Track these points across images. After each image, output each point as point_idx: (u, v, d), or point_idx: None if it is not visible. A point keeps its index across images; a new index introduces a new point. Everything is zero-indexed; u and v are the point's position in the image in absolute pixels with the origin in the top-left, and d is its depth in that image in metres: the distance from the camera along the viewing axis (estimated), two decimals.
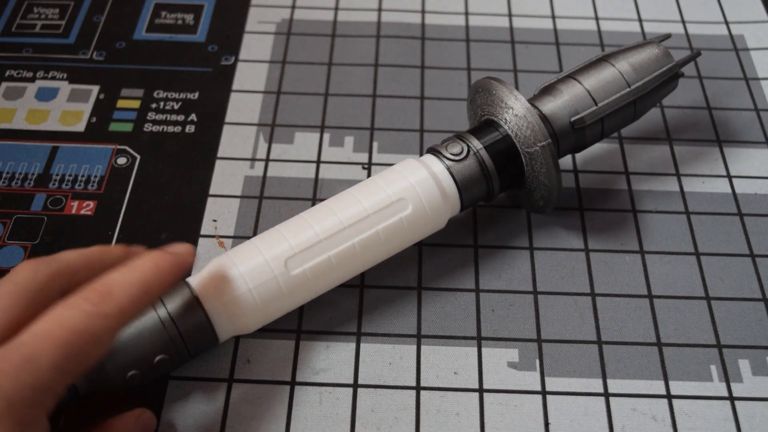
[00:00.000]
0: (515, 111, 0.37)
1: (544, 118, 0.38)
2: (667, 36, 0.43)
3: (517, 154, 0.37)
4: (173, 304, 0.32)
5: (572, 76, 0.40)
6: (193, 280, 0.34)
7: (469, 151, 0.37)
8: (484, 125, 0.39)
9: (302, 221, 0.35)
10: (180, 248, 0.30)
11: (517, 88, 0.48)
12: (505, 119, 0.37)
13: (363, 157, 0.44)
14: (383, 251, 0.36)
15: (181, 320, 0.32)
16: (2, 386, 0.24)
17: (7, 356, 0.24)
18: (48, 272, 0.28)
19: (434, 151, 0.38)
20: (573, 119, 0.38)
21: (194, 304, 0.33)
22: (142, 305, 0.28)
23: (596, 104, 0.38)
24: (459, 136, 0.38)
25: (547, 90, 0.39)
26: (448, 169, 0.37)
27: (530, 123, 0.36)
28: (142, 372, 0.32)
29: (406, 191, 0.36)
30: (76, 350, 0.25)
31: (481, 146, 0.37)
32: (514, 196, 0.42)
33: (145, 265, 0.29)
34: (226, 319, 0.33)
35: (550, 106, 0.38)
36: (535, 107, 0.38)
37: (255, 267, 0.33)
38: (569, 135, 0.38)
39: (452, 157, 0.37)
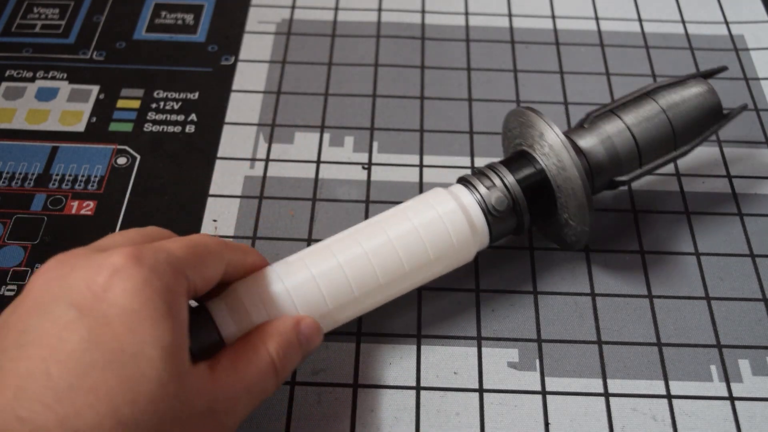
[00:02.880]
0: (551, 144, 0.35)
1: (580, 152, 0.37)
2: (723, 69, 0.41)
3: (550, 189, 0.36)
4: (193, 328, 0.30)
5: (615, 112, 0.38)
6: (215, 309, 0.31)
7: (493, 176, 0.36)
8: (517, 157, 0.37)
9: (330, 256, 0.33)
10: (263, 262, 0.34)
11: (517, 88, 0.48)
12: (541, 152, 0.36)
13: (363, 157, 0.44)
14: (405, 275, 0.34)
15: (197, 346, 0.30)
16: (145, 256, 0.27)
17: (145, 247, 0.28)
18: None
19: (465, 181, 0.36)
20: (616, 180, 0.37)
21: (215, 337, 0.31)
22: (240, 254, 0.32)
23: (639, 149, 0.37)
24: (492, 167, 0.37)
25: (590, 125, 0.38)
26: (478, 202, 0.35)
27: (566, 158, 0.35)
28: None
29: (439, 236, 0.34)
30: (199, 252, 0.29)
31: (513, 179, 0.36)
32: (544, 231, 0.40)
33: (245, 245, 0.34)
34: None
35: (589, 142, 0.37)
36: (572, 141, 0.37)
37: (277, 306, 0.32)
38: (605, 172, 0.37)
39: (476, 182, 0.36)
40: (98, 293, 0.26)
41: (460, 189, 0.36)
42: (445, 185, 0.43)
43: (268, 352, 0.30)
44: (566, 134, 0.37)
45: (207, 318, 0.31)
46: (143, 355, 0.25)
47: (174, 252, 0.28)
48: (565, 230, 0.37)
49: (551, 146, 0.35)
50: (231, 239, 0.40)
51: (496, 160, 0.38)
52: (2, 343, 0.26)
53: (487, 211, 0.35)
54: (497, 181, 0.36)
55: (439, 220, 0.34)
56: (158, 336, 0.26)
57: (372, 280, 0.33)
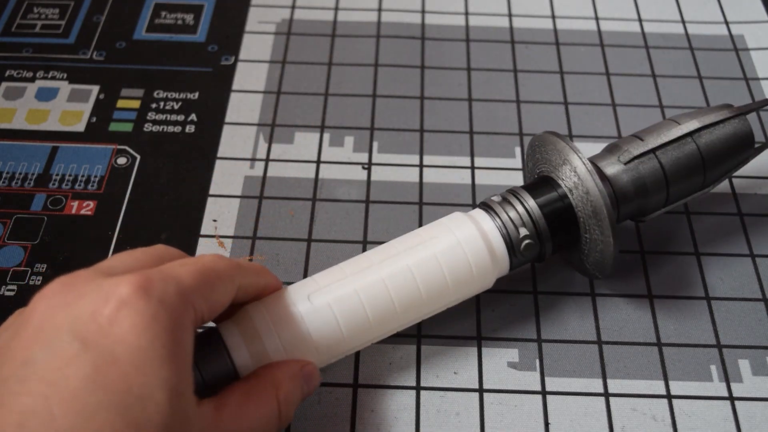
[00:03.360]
0: (576, 170, 0.34)
1: (605, 179, 0.36)
2: (766, 103, 0.40)
3: (574, 217, 0.35)
4: (203, 354, 0.30)
5: (636, 135, 0.37)
6: (227, 335, 0.31)
7: (515, 202, 0.35)
8: (540, 182, 0.36)
9: (346, 283, 0.32)
10: (278, 283, 0.33)
11: (517, 88, 0.48)
12: (562, 177, 0.35)
13: (363, 157, 0.44)
14: (423, 303, 0.33)
15: (209, 373, 0.30)
16: (154, 288, 0.26)
17: (153, 274, 0.27)
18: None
19: (484, 206, 0.35)
20: (644, 219, 0.36)
21: (227, 364, 0.30)
22: (252, 276, 0.31)
23: (666, 179, 0.36)
24: (514, 192, 0.36)
25: (610, 149, 0.37)
26: (499, 228, 0.34)
27: (590, 185, 0.33)
28: None
29: (460, 265, 0.33)
30: (209, 278, 0.28)
31: (535, 204, 0.35)
32: (565, 258, 0.39)
33: (261, 266, 0.33)
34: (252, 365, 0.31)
35: (612, 167, 0.36)
36: (596, 166, 0.36)
37: (298, 347, 0.31)
38: (630, 198, 0.36)
39: (498, 207, 0.35)
40: (104, 326, 0.25)
41: (480, 214, 0.35)
42: (445, 185, 0.43)
43: (277, 398, 0.29)
44: (591, 160, 0.36)
45: (219, 342, 0.30)
46: (150, 398, 0.24)
47: (183, 280, 0.27)
48: (588, 259, 0.36)
49: (576, 172, 0.34)
50: (231, 239, 0.40)
51: (517, 185, 0.37)
52: (3, 372, 0.25)
53: (511, 247, 0.34)
54: (519, 207, 0.35)
55: (458, 246, 0.33)
56: (166, 377, 0.25)
57: (388, 308, 0.32)
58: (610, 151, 0.37)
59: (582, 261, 0.37)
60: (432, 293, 0.33)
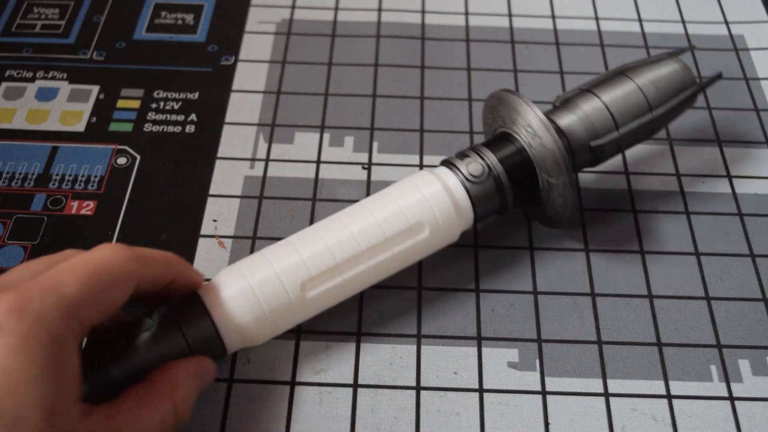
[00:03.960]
0: (532, 125, 0.36)
1: (560, 131, 0.37)
2: (689, 49, 0.42)
3: (532, 169, 0.37)
4: (185, 317, 0.32)
5: (591, 90, 0.39)
6: (207, 297, 0.33)
7: (477, 158, 0.37)
8: (499, 138, 0.38)
9: (317, 237, 0.34)
10: (199, 276, 0.33)
11: (517, 88, 0.48)
12: (521, 133, 0.37)
13: (363, 157, 0.44)
14: (395, 270, 0.36)
15: (192, 336, 0.31)
16: (30, 306, 0.25)
17: (33, 286, 0.26)
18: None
19: (449, 164, 0.37)
20: (593, 144, 0.37)
21: (209, 326, 0.32)
22: (158, 267, 0.30)
23: (615, 122, 0.38)
24: (475, 149, 0.37)
25: (565, 104, 0.39)
26: (462, 183, 0.36)
27: (546, 136, 0.35)
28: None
29: (423, 211, 0.35)
30: (97, 282, 0.27)
31: (495, 159, 0.37)
32: (527, 209, 0.41)
33: (168, 252, 0.32)
34: (237, 337, 0.33)
35: (568, 121, 0.38)
36: (552, 121, 0.38)
37: (272, 291, 0.33)
38: (585, 151, 0.38)
39: (472, 178, 0.36)
40: None
41: (444, 171, 0.37)
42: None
43: (173, 400, 0.29)
44: (546, 114, 0.38)
45: (199, 305, 0.32)
46: (25, 418, 0.24)
47: (66, 291, 0.26)
48: (549, 209, 0.38)
49: (531, 126, 0.36)
50: (231, 239, 0.40)
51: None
52: None
53: (466, 180, 0.36)
54: (480, 161, 0.37)
55: (424, 201, 0.35)
56: (40, 396, 0.24)
57: (359, 261, 0.34)
58: (564, 106, 0.39)
59: (544, 211, 0.39)
60: (405, 255, 0.35)
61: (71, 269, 0.27)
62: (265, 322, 0.33)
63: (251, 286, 0.33)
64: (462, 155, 0.37)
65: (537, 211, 0.40)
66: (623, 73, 0.39)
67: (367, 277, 0.35)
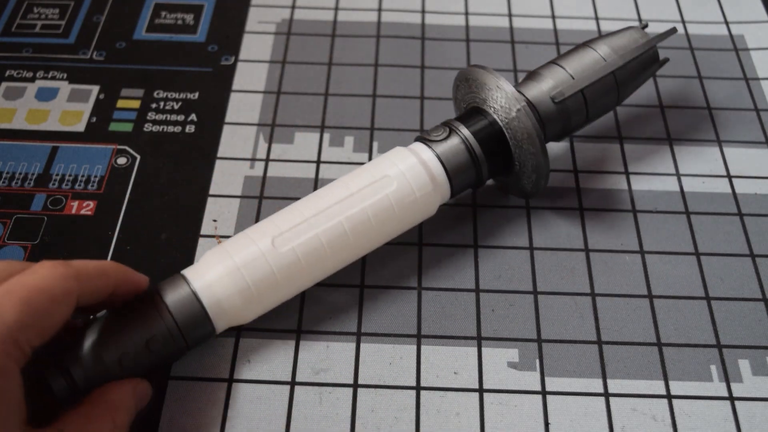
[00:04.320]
0: (501, 97, 0.37)
1: (530, 103, 0.39)
2: (672, 31, 0.43)
3: (505, 140, 0.38)
4: (164, 287, 0.33)
5: (555, 62, 0.40)
6: (195, 281, 0.34)
7: (450, 132, 0.38)
8: (471, 112, 0.39)
9: (291, 207, 0.36)
10: (142, 279, 0.33)
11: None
12: (492, 106, 0.38)
13: (363, 157, 0.44)
14: (375, 233, 0.36)
15: (171, 300, 0.33)
16: None
17: None
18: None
19: (422, 139, 0.38)
20: (552, 94, 0.38)
21: (182, 281, 0.33)
22: (98, 279, 0.30)
23: (585, 98, 0.39)
24: (447, 124, 0.39)
25: (531, 76, 0.40)
26: (438, 156, 0.37)
27: (516, 108, 0.37)
28: (135, 353, 0.32)
29: (393, 173, 0.36)
30: (36, 305, 0.27)
31: (468, 132, 0.38)
32: (503, 183, 0.42)
33: (105, 261, 0.32)
34: (226, 319, 0.33)
35: (535, 91, 0.39)
36: (521, 93, 0.39)
37: (243, 248, 0.34)
38: (555, 120, 0.39)
39: (435, 138, 0.38)
40: None
41: (419, 146, 0.38)
42: None
43: (114, 422, 0.30)
44: (516, 87, 0.39)
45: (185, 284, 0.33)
46: None
47: (4, 318, 0.26)
48: (523, 180, 0.39)
49: (502, 99, 0.37)
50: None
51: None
52: None
53: (427, 139, 0.38)
54: (454, 136, 0.38)
55: (401, 176, 0.36)
56: None
57: (330, 216, 0.35)
58: (532, 78, 0.40)
59: (518, 183, 0.40)
60: (377, 210, 0.36)
61: (7, 294, 0.27)
62: (243, 282, 0.33)
63: (236, 265, 0.34)
64: (434, 129, 0.38)
65: (511, 182, 0.41)
66: (585, 44, 0.41)
67: (344, 235, 0.35)
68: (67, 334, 0.32)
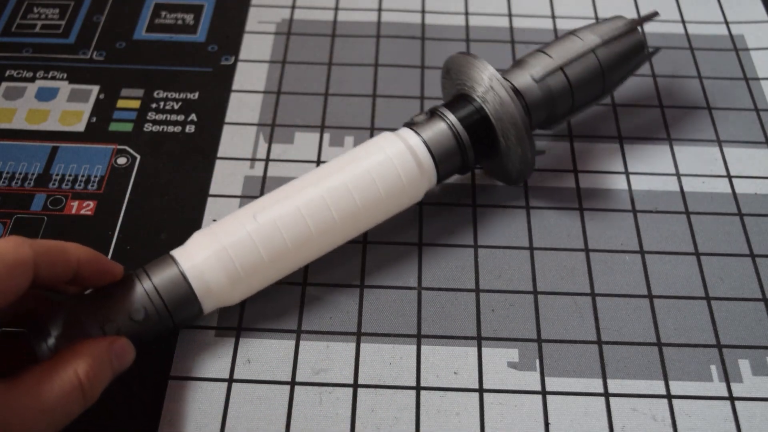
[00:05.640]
0: (486, 83, 0.38)
1: (516, 90, 0.39)
2: (654, 14, 0.44)
3: (491, 126, 0.38)
4: (160, 278, 0.33)
5: (540, 49, 0.41)
6: (183, 262, 0.34)
7: (436, 117, 0.38)
8: (457, 99, 0.40)
9: (277, 189, 0.37)
10: (115, 267, 0.33)
11: None
12: (478, 92, 0.38)
13: None
14: (361, 215, 0.36)
15: (155, 275, 0.33)
16: None
17: None
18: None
19: (410, 124, 0.39)
20: (535, 75, 0.39)
21: (168, 258, 0.34)
22: (57, 255, 0.30)
23: (564, 72, 0.40)
24: (434, 110, 0.39)
25: (518, 64, 0.41)
26: (424, 142, 0.38)
27: (503, 95, 0.37)
28: (119, 326, 0.32)
29: (387, 170, 0.36)
30: None
31: (455, 119, 0.38)
32: (489, 168, 0.43)
33: (69, 243, 0.32)
34: (200, 276, 0.34)
35: (520, 78, 0.39)
36: (507, 80, 0.39)
37: (229, 227, 0.35)
38: (541, 105, 0.39)
39: (419, 121, 0.38)
40: None
41: (407, 131, 0.38)
42: (444, 184, 0.43)
43: (76, 373, 0.29)
44: (503, 75, 0.40)
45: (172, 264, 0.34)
46: None
47: None
48: (508, 166, 0.40)
49: (489, 86, 0.38)
50: None
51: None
52: None
53: (414, 124, 0.38)
54: (440, 122, 0.38)
55: (388, 161, 0.37)
56: None
57: (328, 218, 0.35)
58: (518, 65, 0.40)
59: (504, 169, 0.40)
60: (367, 203, 0.36)
61: None
62: (240, 280, 0.34)
63: (223, 246, 0.34)
64: (419, 114, 0.39)
65: (497, 167, 0.41)
66: (571, 33, 0.41)
67: (326, 210, 0.35)
68: (50, 308, 0.32)
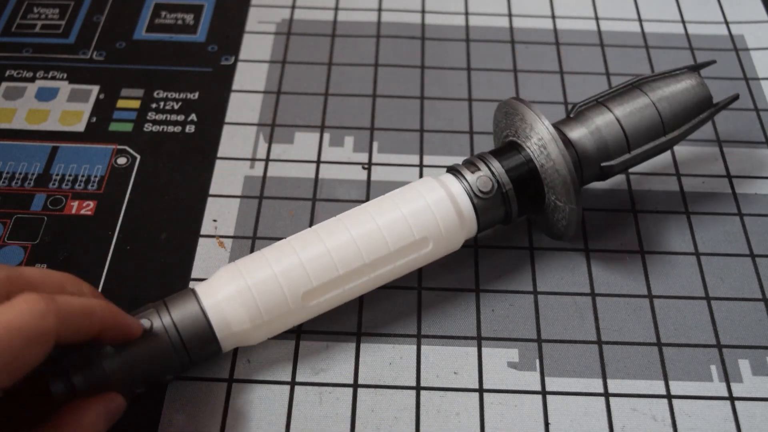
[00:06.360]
0: (540, 135, 0.36)
1: (569, 143, 0.37)
2: (711, 62, 0.42)
3: (538, 179, 0.36)
4: (180, 315, 0.32)
5: (604, 103, 0.38)
6: (203, 295, 0.33)
7: (482, 167, 0.36)
8: (507, 147, 0.38)
9: (318, 241, 0.34)
10: (134, 325, 0.31)
11: (517, 88, 0.48)
12: (529, 143, 0.36)
13: (363, 157, 0.44)
14: (395, 278, 0.36)
15: (189, 338, 0.32)
16: None
17: None
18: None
19: (455, 171, 0.37)
20: (604, 165, 0.37)
21: (207, 331, 0.32)
22: (81, 320, 0.28)
23: (628, 141, 0.37)
24: (481, 157, 0.37)
25: (578, 116, 0.38)
26: (467, 191, 0.36)
27: (553, 149, 0.35)
28: (137, 363, 0.31)
29: (427, 222, 0.35)
30: (6, 346, 0.25)
31: (501, 168, 0.36)
32: (533, 221, 0.41)
33: (94, 301, 0.29)
34: (233, 341, 0.33)
35: (579, 134, 0.37)
36: (563, 133, 0.37)
37: (271, 297, 0.33)
38: (594, 166, 0.37)
39: (481, 194, 0.36)
40: None
41: (449, 178, 0.37)
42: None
43: None
44: (555, 125, 0.38)
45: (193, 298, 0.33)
46: None
47: None
48: (554, 221, 0.38)
49: (540, 137, 0.36)
50: (231, 239, 0.40)
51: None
52: None
53: (473, 194, 0.36)
54: (485, 170, 0.36)
55: (427, 208, 0.35)
56: None
57: (362, 274, 0.34)
58: (574, 117, 0.38)
59: (549, 223, 0.38)
60: (406, 268, 0.35)
61: None
62: (262, 325, 0.33)
63: (249, 288, 0.33)
64: (468, 163, 0.37)
65: (541, 221, 0.39)
66: (639, 87, 0.39)
67: (367, 286, 0.35)
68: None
